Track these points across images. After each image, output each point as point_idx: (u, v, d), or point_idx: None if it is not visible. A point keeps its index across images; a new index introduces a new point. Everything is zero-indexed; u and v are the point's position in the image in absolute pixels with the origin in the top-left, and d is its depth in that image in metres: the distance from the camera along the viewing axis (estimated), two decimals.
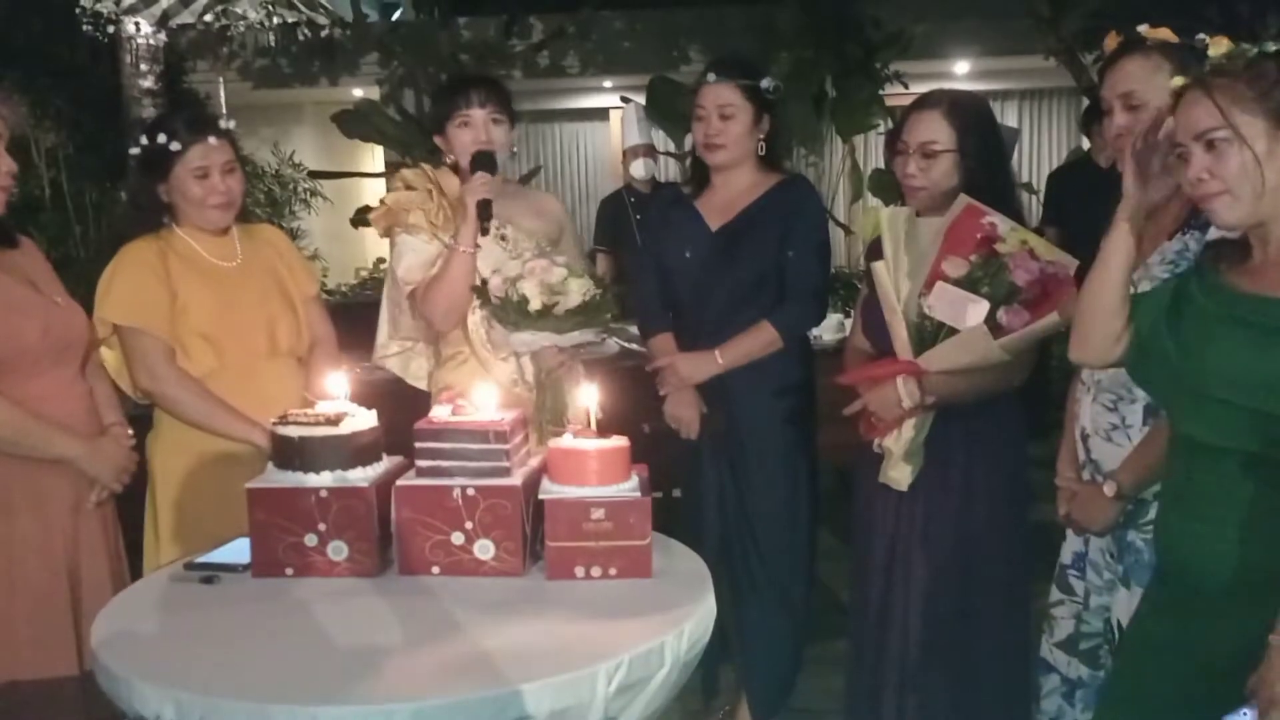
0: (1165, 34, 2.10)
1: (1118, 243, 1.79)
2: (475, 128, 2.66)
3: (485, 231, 2.57)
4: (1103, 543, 2.19)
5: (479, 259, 2.60)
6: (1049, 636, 2.32)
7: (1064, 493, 2.22)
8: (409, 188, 2.68)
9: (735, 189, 2.88)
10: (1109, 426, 2.12)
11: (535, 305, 2.46)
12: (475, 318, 2.65)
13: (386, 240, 2.74)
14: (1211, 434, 1.62)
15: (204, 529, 2.33)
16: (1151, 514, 2.03)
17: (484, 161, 2.60)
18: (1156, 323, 1.72)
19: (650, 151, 5.67)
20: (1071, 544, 2.30)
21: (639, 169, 5.59)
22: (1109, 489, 2.07)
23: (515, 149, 2.76)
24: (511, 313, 2.49)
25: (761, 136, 2.85)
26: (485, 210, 2.56)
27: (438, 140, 2.74)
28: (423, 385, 2.80)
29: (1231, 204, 1.61)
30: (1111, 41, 2.15)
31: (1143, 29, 2.11)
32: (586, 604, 1.88)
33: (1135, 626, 1.89)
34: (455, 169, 2.70)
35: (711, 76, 2.84)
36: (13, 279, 2.32)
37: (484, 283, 2.56)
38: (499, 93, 2.71)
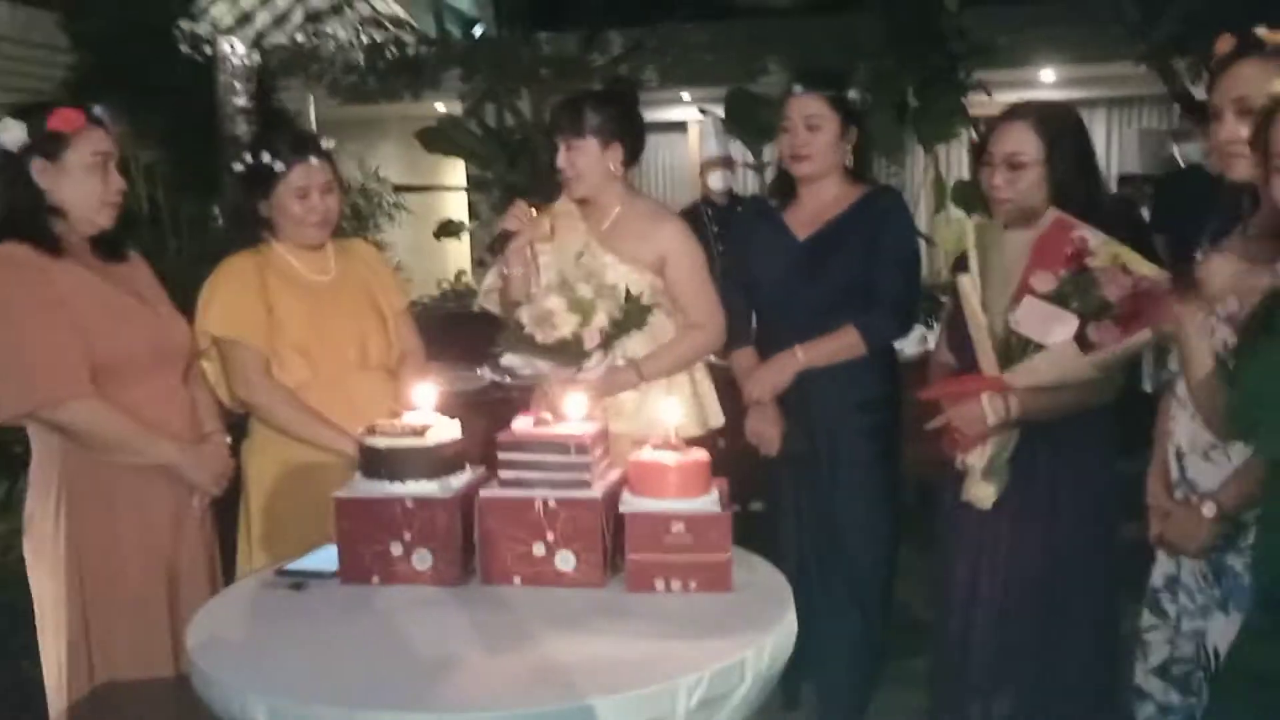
0: None
1: (1195, 348, 1.75)
2: (575, 150, 2.75)
3: (481, 263, 2.75)
4: (1195, 565, 2.12)
5: (559, 277, 2.66)
6: (1142, 663, 2.25)
7: (1156, 512, 2.16)
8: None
9: (822, 200, 2.87)
10: (1208, 445, 2.06)
11: (525, 331, 2.55)
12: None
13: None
14: None
15: (294, 535, 2.39)
16: (1251, 538, 1.97)
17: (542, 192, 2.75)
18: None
19: (728, 164, 5.68)
20: (1163, 566, 2.23)
21: (716, 181, 5.59)
22: (1209, 510, 2.01)
23: (612, 166, 2.78)
24: (509, 332, 2.59)
25: (848, 148, 2.84)
26: (501, 241, 2.66)
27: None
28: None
29: None
30: (1224, 44, 2.05)
31: (1262, 31, 2.02)
32: (666, 617, 1.89)
33: (1234, 655, 1.83)
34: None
35: (798, 88, 2.84)
36: (121, 291, 2.41)
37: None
38: (577, 115, 2.75)
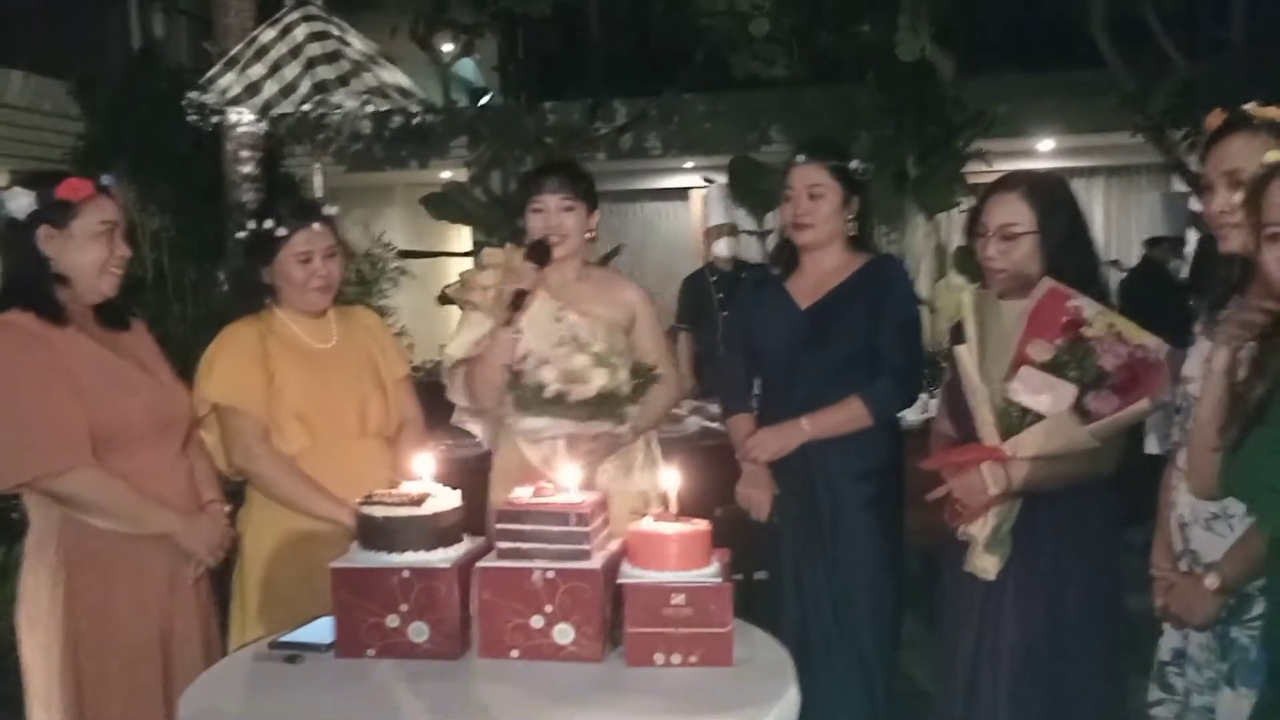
0: (1274, 113, 2.05)
1: (1209, 395, 1.75)
2: (547, 214, 2.74)
3: (508, 322, 2.64)
4: (1203, 638, 2.10)
5: (538, 341, 2.65)
6: None
7: (1160, 583, 2.14)
8: (483, 267, 2.78)
9: (824, 269, 2.89)
10: (1209, 515, 2.05)
11: (550, 391, 2.52)
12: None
13: None
14: None
15: (290, 606, 2.37)
16: (1256, 610, 1.95)
17: (536, 251, 2.69)
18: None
19: (732, 231, 5.74)
20: (1170, 639, 2.20)
21: (722, 248, 5.66)
22: (1211, 582, 1.99)
23: (592, 233, 2.82)
24: (527, 396, 2.55)
25: (850, 217, 2.86)
26: (518, 300, 2.64)
27: (520, 222, 2.82)
28: (477, 434, 2.89)
29: None
30: (1215, 118, 2.11)
31: (1250, 106, 2.07)
32: (666, 693, 1.86)
33: None
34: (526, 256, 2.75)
35: (801, 157, 2.87)
36: (123, 359, 2.42)
37: (521, 369, 2.63)
38: (574, 179, 2.78)
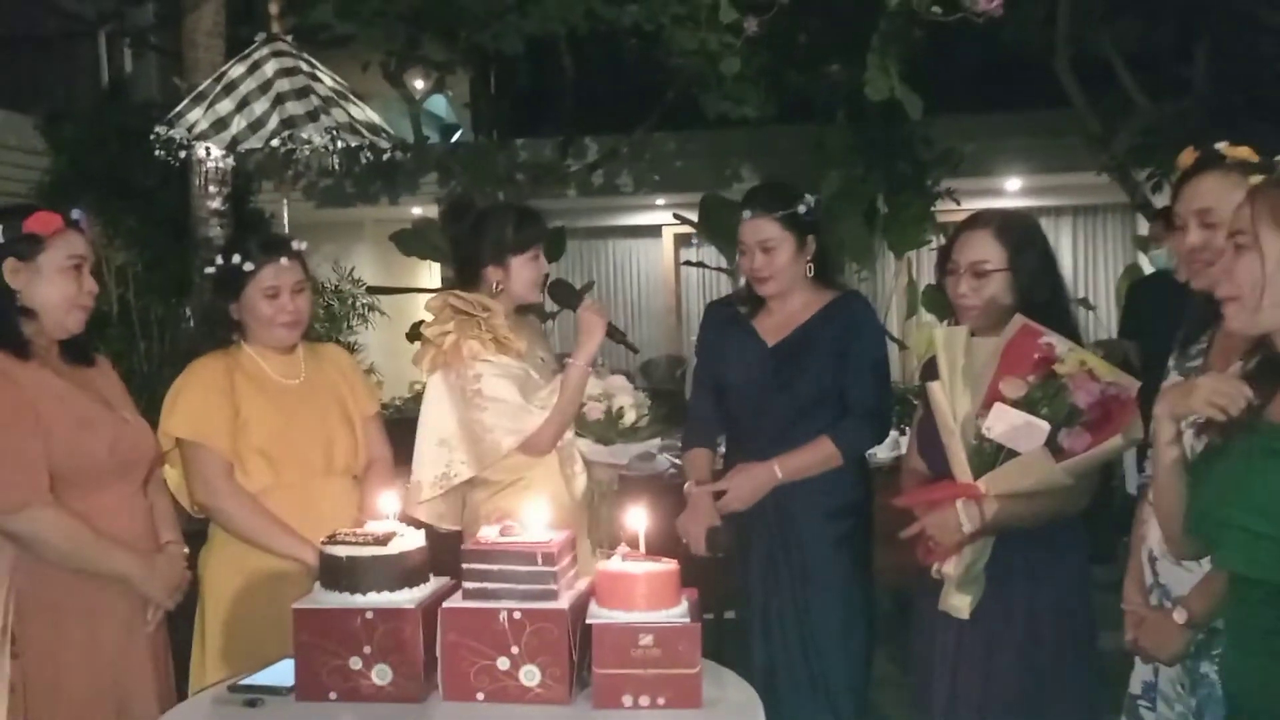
0: (1245, 153, 2.09)
1: (1162, 461, 1.77)
2: (540, 262, 2.79)
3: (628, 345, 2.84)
4: (1173, 673, 2.09)
5: (505, 383, 2.66)
6: None
7: (1131, 618, 2.14)
8: (461, 313, 2.70)
9: (790, 307, 2.90)
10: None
11: (629, 420, 2.66)
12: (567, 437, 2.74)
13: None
14: (1247, 566, 1.57)
15: (251, 648, 2.33)
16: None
17: (568, 290, 2.79)
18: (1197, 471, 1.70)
19: None
20: (1140, 673, 2.20)
21: None
22: (1180, 616, 1.99)
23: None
24: (610, 429, 2.67)
25: (808, 259, 2.86)
26: (616, 331, 2.74)
27: (491, 270, 2.76)
28: (451, 526, 2.78)
29: (1238, 310, 1.64)
30: (1188, 158, 2.14)
31: (1222, 146, 2.10)
32: None
33: None
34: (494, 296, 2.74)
35: (747, 213, 2.85)
36: (86, 396, 2.38)
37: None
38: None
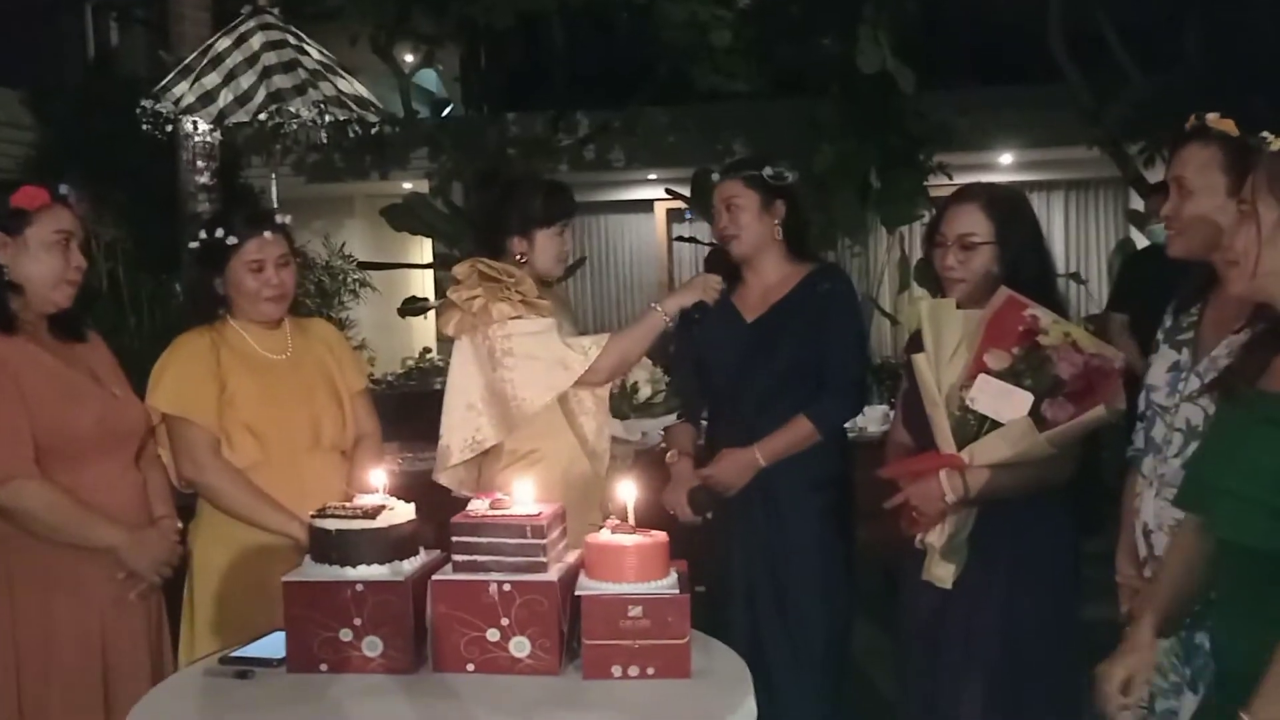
0: (1228, 126, 2.11)
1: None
2: (565, 238, 2.83)
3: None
4: (1167, 643, 2.10)
5: (538, 340, 2.68)
6: None
7: (1125, 590, 2.15)
8: (489, 278, 2.70)
9: (767, 281, 2.91)
10: (1174, 521, 2.06)
11: (643, 395, 2.66)
12: (586, 416, 2.74)
13: (433, 329, 2.78)
14: (1241, 534, 1.58)
15: (242, 621, 2.33)
16: None
17: (720, 258, 2.92)
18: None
19: None
20: None
21: None
22: None
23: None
24: (624, 403, 2.68)
25: (776, 222, 2.87)
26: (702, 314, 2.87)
27: (516, 241, 2.78)
28: (470, 493, 2.78)
29: (1239, 275, 1.66)
30: (1187, 125, 2.17)
31: (1211, 117, 2.12)
32: (623, 706, 1.84)
33: None
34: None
35: (716, 177, 2.97)
36: (74, 371, 2.37)
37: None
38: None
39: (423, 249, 10.35)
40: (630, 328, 2.77)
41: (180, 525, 2.52)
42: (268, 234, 2.60)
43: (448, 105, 10.70)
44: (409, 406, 4.89)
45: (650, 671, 1.93)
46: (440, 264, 8.65)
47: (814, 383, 2.82)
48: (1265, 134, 1.83)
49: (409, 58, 9.39)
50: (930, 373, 2.36)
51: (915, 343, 2.47)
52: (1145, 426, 2.22)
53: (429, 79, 10.45)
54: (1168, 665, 2.10)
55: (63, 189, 2.38)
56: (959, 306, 2.45)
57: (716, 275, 2.85)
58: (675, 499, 2.91)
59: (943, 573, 2.36)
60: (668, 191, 8.92)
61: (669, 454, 2.98)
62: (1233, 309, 2.03)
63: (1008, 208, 2.49)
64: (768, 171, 2.89)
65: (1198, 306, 2.19)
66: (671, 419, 2.85)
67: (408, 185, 9.87)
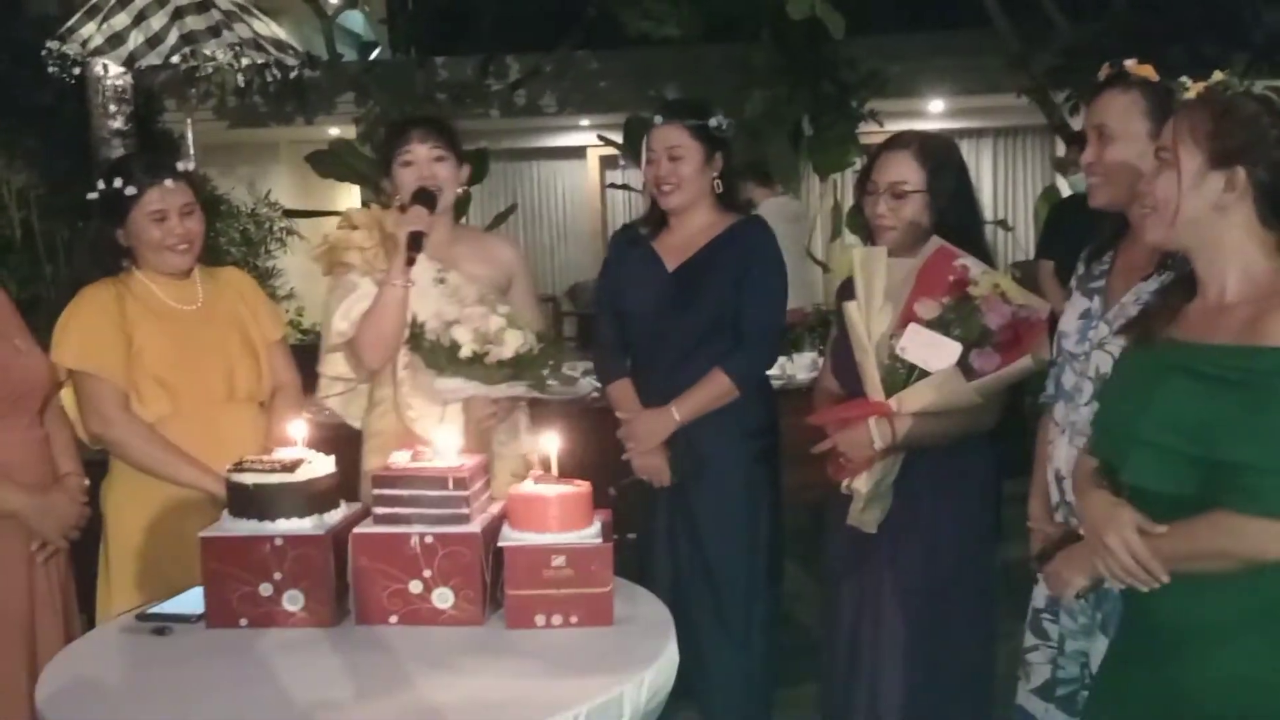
0: (1147, 71, 2.11)
1: None
2: (418, 165, 2.62)
3: (412, 262, 2.51)
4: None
5: (417, 302, 2.55)
6: (1025, 683, 2.27)
7: (1037, 535, 2.18)
8: (353, 227, 2.63)
9: (692, 229, 2.86)
10: None
11: (466, 352, 2.43)
12: (402, 362, 2.59)
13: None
14: (1155, 481, 1.61)
15: (159, 578, 2.29)
16: None
17: (424, 198, 2.57)
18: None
19: None
20: (1044, 587, 2.26)
21: None
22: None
23: (464, 187, 2.73)
24: (440, 357, 2.45)
25: (715, 175, 2.84)
26: (416, 242, 2.51)
27: (385, 183, 2.70)
28: (354, 423, 2.74)
29: (1156, 223, 1.68)
30: (1104, 72, 2.16)
31: (1129, 63, 2.12)
32: (546, 654, 1.85)
33: (1102, 674, 1.86)
34: (401, 210, 2.61)
35: (658, 119, 2.83)
36: None
37: (420, 325, 2.51)
38: (443, 130, 2.68)
39: (351, 196, 10.16)
40: (371, 308, 2.55)
41: (88, 482, 2.44)
42: (169, 182, 2.50)
43: (374, 48, 10.46)
44: None
45: (574, 620, 1.93)
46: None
47: (734, 335, 2.79)
48: (1184, 79, 1.83)
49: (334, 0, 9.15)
50: (861, 321, 2.36)
51: (846, 290, 2.47)
52: (1056, 373, 2.24)
53: (355, 21, 10.20)
54: (1077, 607, 2.15)
55: None
56: (890, 255, 2.45)
57: (418, 207, 2.56)
58: (654, 464, 2.82)
59: (868, 518, 2.38)
60: (600, 138, 8.84)
61: (621, 416, 2.87)
62: (1143, 257, 2.05)
63: (938, 156, 2.48)
64: (713, 123, 2.81)
65: (1110, 254, 2.21)
66: (524, 388, 2.55)
67: (334, 131, 9.66)
